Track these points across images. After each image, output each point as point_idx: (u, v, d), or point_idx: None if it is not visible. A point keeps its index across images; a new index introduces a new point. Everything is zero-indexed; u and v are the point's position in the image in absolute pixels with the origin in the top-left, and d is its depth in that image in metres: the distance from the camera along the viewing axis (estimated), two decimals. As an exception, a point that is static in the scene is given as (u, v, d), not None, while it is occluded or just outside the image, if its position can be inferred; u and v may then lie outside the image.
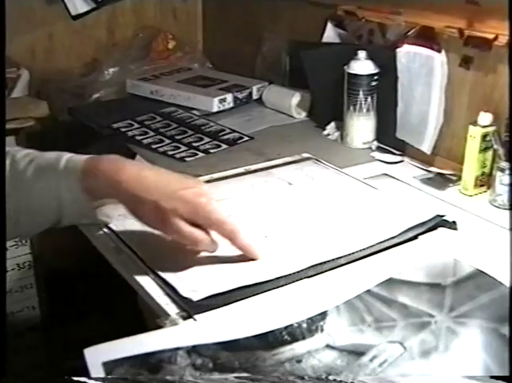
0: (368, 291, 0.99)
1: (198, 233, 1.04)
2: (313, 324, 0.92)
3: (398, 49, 1.61)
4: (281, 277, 1.04)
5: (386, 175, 1.55)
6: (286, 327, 0.90)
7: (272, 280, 1.03)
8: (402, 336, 0.91)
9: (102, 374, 0.78)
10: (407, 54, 1.59)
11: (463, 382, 0.83)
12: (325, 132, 1.83)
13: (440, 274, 1.04)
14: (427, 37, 1.55)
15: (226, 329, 0.90)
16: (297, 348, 0.88)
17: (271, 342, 0.88)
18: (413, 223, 1.22)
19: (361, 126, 1.71)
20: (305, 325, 0.92)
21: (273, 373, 0.83)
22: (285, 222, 1.25)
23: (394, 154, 1.67)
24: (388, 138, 1.69)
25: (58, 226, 1.09)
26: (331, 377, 0.83)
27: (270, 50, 2.17)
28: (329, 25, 1.86)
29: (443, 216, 1.25)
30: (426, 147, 1.60)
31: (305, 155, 1.60)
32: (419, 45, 1.57)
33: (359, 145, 1.72)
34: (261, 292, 1.01)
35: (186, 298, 0.97)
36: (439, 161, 1.59)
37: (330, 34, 1.86)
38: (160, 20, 2.51)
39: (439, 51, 1.53)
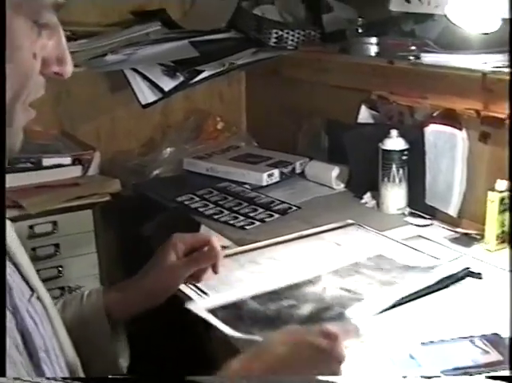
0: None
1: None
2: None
3: (425, 128, 1.85)
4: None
5: (420, 236, 1.78)
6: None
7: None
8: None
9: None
10: (434, 132, 1.84)
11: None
12: (363, 201, 2.06)
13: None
14: (450, 118, 1.80)
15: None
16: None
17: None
18: (446, 273, 1.46)
19: (395, 195, 1.95)
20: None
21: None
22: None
23: (425, 218, 1.88)
24: (419, 204, 1.91)
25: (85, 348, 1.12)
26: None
27: (310, 129, 2.42)
28: (363, 108, 2.12)
29: (470, 268, 1.49)
30: (452, 211, 1.83)
31: (349, 221, 1.84)
32: (444, 125, 1.81)
33: (393, 211, 1.95)
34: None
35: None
36: (464, 223, 1.82)
37: (364, 115, 2.12)
38: (208, 103, 2.79)
39: (460, 129, 1.77)
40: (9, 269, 0.88)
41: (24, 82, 0.76)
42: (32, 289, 0.92)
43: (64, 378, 0.89)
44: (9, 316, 0.81)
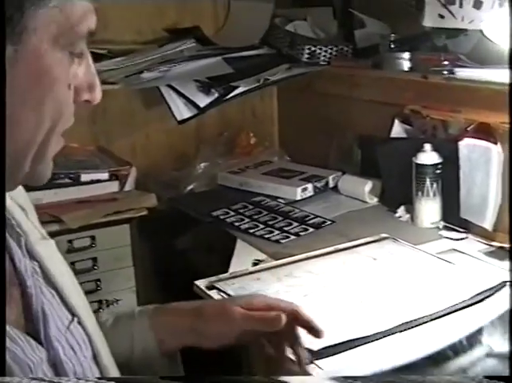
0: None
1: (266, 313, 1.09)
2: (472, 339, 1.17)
3: (459, 142, 1.86)
4: (379, 332, 1.30)
5: (454, 250, 1.79)
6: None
7: (370, 335, 1.30)
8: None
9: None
10: (468, 146, 1.84)
11: None
12: (397, 215, 2.07)
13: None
14: (485, 132, 1.81)
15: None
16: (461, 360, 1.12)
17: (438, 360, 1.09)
18: (482, 288, 1.47)
19: (429, 208, 1.95)
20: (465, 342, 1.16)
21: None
22: (377, 289, 1.52)
23: (459, 231, 1.89)
24: (453, 218, 1.92)
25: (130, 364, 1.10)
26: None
27: (343, 143, 2.43)
28: (397, 122, 2.13)
29: (507, 282, 1.50)
30: (487, 224, 1.83)
31: (383, 235, 1.85)
32: (478, 138, 1.82)
33: (428, 225, 1.96)
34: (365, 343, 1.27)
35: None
36: (499, 236, 1.82)
37: (398, 130, 2.13)
38: (241, 118, 2.81)
39: (495, 143, 1.78)
40: (48, 293, 0.85)
41: (61, 114, 0.74)
42: (73, 313, 0.88)
43: (99, 378, 0.87)
44: (39, 347, 0.79)
